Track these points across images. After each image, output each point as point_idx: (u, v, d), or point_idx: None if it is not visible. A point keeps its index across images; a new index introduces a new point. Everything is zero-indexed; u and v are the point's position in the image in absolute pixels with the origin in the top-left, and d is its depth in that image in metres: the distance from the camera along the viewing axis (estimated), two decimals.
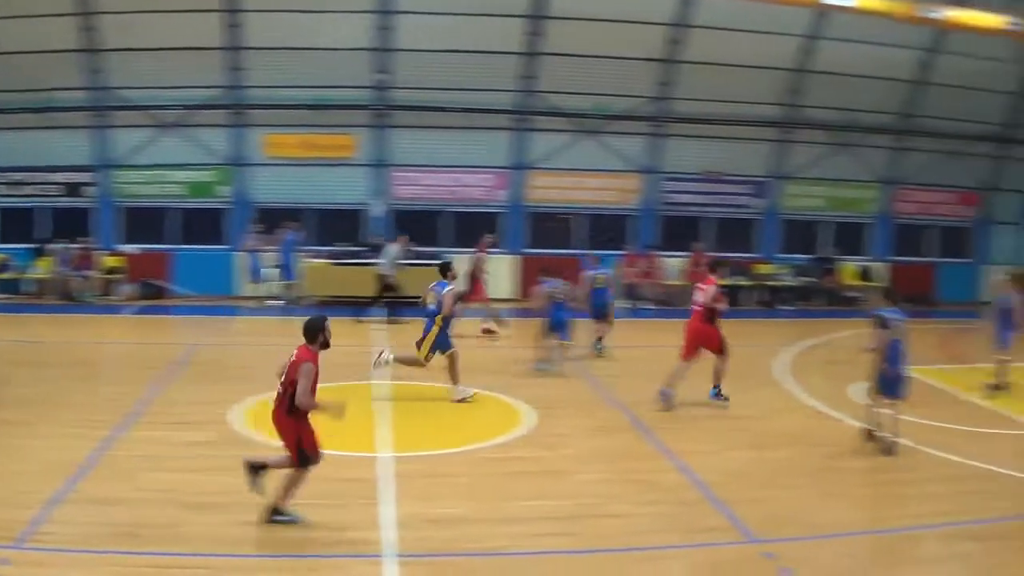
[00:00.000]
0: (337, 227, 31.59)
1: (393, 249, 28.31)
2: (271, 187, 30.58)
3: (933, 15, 28.75)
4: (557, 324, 21.88)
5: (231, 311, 29.02)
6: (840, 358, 25.24)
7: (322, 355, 12.41)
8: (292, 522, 11.87)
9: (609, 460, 15.49)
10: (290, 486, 11.93)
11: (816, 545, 12.34)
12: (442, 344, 19.13)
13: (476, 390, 19.22)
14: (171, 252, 30.91)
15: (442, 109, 30.07)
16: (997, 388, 21.55)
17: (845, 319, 30.82)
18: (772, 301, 33.87)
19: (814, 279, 34.33)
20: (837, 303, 34.17)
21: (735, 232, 35.07)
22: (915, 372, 20.24)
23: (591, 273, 24.77)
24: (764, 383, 22.02)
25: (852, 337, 27.65)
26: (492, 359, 23.44)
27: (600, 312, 24.57)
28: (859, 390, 20.82)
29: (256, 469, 12.03)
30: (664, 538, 12.18)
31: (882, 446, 16.45)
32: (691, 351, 19.05)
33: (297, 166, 30.45)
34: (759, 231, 35.34)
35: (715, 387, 19.33)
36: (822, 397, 20.42)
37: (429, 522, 12.14)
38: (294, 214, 30.37)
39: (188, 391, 18.91)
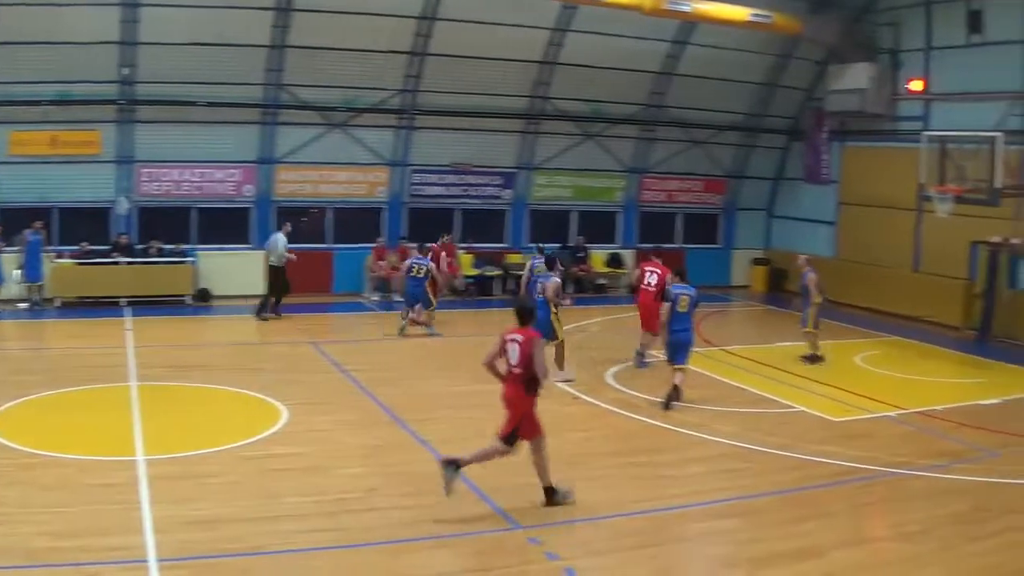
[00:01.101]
0: (84, 226, 30.56)
1: (280, 238, 28.27)
2: (16, 186, 29.34)
3: (680, 8, 29.39)
4: (413, 296, 26.09)
5: None
6: (592, 344, 25.95)
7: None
8: (568, 497, 13.43)
9: (368, 454, 15.63)
10: (544, 463, 13.41)
11: (580, 529, 12.83)
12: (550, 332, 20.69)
13: (236, 389, 19.23)
14: None
15: (189, 103, 29.47)
16: (814, 359, 23.96)
17: (596, 306, 31.68)
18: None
19: (564, 267, 34.91)
20: (588, 290, 34.92)
21: (485, 223, 35.36)
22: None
23: (531, 263, 25.26)
24: None
25: (603, 323, 28.58)
26: (247, 356, 23.34)
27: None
28: (612, 375, 21.64)
29: (455, 466, 12.96)
30: (429, 529, 12.40)
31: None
32: (647, 322, 22.57)
33: (42, 164, 29.35)
34: (508, 221, 35.83)
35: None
36: (576, 383, 20.95)
37: (190, 524, 12.09)
38: (39, 214, 29.35)
39: None
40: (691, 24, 32.39)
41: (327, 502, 13.15)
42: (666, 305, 19.42)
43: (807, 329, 23.98)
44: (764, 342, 26.05)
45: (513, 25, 31.00)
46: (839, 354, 25.51)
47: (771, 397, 20.63)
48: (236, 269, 29.91)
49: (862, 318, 30.97)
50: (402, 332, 26.16)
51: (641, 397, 19.66)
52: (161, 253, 30.01)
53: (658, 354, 22.15)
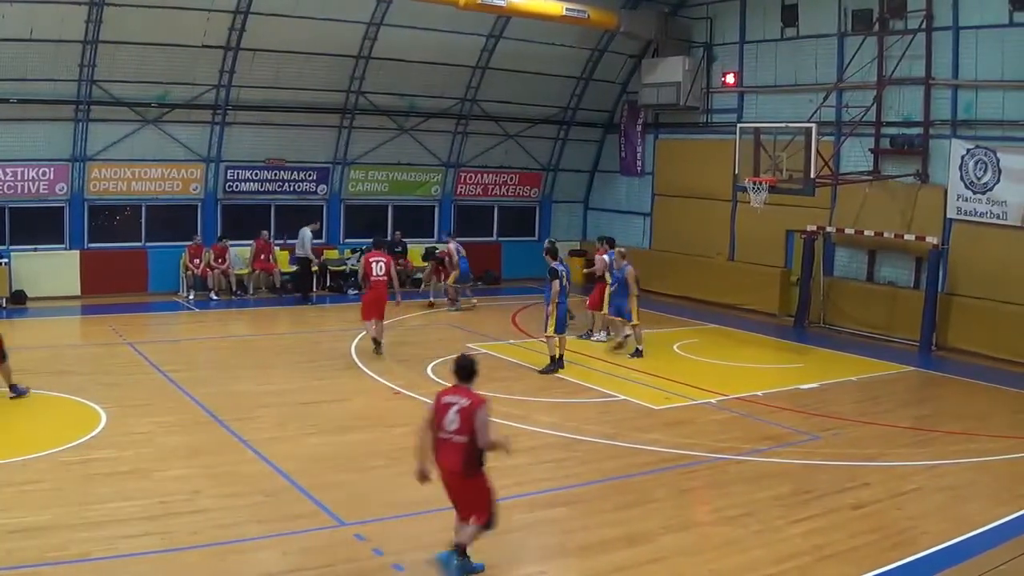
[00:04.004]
0: None
1: (307, 232, 32.05)
2: None
3: (495, 2, 29.54)
4: (463, 274, 31.03)
5: None
6: (413, 339, 26.12)
7: None
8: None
9: (190, 455, 15.48)
10: None
11: (405, 523, 12.94)
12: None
13: (54, 393, 18.92)
14: None
15: (1, 100, 28.76)
16: (639, 353, 24.55)
17: (415, 300, 31.65)
18: (340, 286, 34.29)
19: None
20: (406, 285, 34.84)
21: (301, 219, 34.92)
22: (487, 348, 21.48)
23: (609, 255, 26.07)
24: (338, 367, 22.52)
25: (423, 317, 28.78)
26: (64, 359, 22.98)
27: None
28: (432, 369, 21.90)
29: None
30: (254, 529, 12.44)
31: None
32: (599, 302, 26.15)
33: None
34: (325, 217, 35.66)
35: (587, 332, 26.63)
36: (396, 378, 21.16)
37: (13, 532, 11.94)
38: None
39: None
40: (506, 18, 32.74)
41: (151, 505, 13.03)
42: (555, 283, 21.63)
43: (635, 322, 24.48)
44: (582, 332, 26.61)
45: (327, 19, 30.98)
46: (658, 343, 26.06)
47: (592, 387, 21.12)
48: (51, 270, 29.39)
49: (680, 307, 31.71)
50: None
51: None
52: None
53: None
